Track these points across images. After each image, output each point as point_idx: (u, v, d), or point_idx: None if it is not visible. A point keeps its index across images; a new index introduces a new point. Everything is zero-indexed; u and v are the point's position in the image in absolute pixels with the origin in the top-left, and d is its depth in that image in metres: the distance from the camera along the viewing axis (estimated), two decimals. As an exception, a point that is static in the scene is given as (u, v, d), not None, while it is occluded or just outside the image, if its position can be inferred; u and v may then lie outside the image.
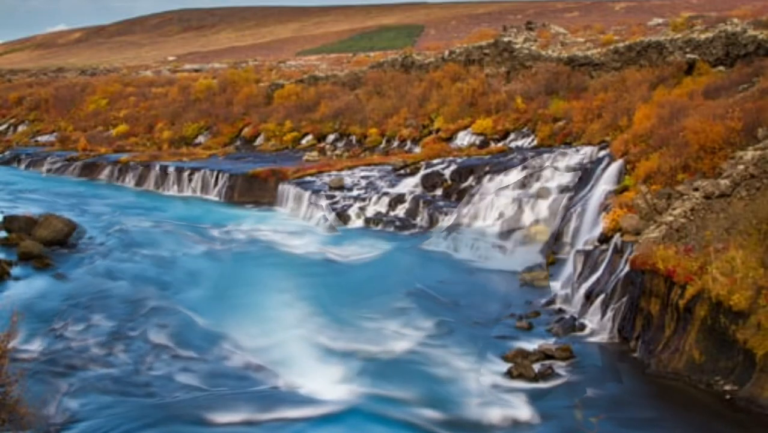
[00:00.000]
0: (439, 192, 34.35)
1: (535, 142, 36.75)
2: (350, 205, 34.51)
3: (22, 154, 55.08)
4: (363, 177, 37.32)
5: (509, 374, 17.46)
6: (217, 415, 15.52)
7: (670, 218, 19.75)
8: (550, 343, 19.12)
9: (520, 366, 17.58)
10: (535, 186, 31.01)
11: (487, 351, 18.78)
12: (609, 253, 21.55)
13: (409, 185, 35.36)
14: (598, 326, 20.06)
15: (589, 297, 21.03)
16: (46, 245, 27.95)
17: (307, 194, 36.29)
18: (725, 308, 16.09)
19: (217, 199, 40.67)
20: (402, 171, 36.89)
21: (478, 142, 39.17)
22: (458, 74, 44.45)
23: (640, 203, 21.68)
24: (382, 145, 43.46)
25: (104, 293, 23.51)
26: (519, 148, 36.41)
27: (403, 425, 15.26)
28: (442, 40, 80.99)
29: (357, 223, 33.59)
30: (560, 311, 21.78)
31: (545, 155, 33.14)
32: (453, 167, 35.02)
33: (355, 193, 35.67)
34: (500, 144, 38.03)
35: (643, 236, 20.13)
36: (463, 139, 40.06)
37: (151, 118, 56.83)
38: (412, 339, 19.79)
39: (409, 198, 34.12)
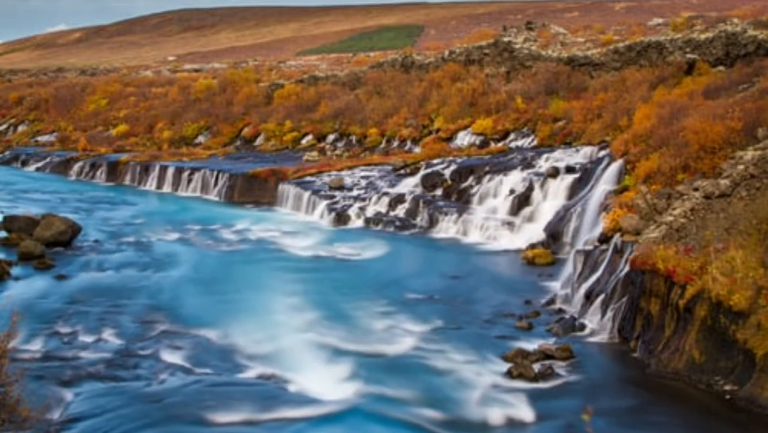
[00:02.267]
0: (439, 192, 34.35)
1: (535, 142, 36.76)
2: (350, 206, 34.51)
3: (22, 154, 55.14)
4: (363, 177, 37.32)
5: (509, 374, 17.45)
6: (217, 415, 15.51)
7: (670, 218, 19.75)
8: (550, 343, 19.11)
9: (520, 366, 17.57)
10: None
11: (487, 351, 18.77)
12: (609, 253, 21.55)
13: (409, 185, 35.36)
14: (598, 326, 20.05)
15: (589, 297, 21.03)
16: (46, 245, 27.91)
17: (307, 194, 36.30)
18: (725, 308, 16.08)
19: (217, 199, 40.69)
20: (402, 171, 36.89)
21: (478, 142, 39.17)
22: (458, 74, 44.44)
23: (640, 203, 21.68)
24: (382, 145, 43.46)
25: (105, 294, 23.49)
26: (519, 148, 36.42)
27: (403, 425, 15.25)
28: (442, 40, 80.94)
29: (357, 223, 33.59)
30: (560, 311, 21.77)
31: (545, 155, 33.25)
32: (453, 167, 35.02)
33: (355, 193, 35.67)
34: (500, 144, 38.04)
35: (643, 236, 20.12)
36: (463, 139, 40.07)
37: (151, 118, 56.84)
38: (412, 339, 19.78)
39: (409, 198, 34.12)
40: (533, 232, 28.96)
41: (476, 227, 30.81)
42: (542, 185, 31.10)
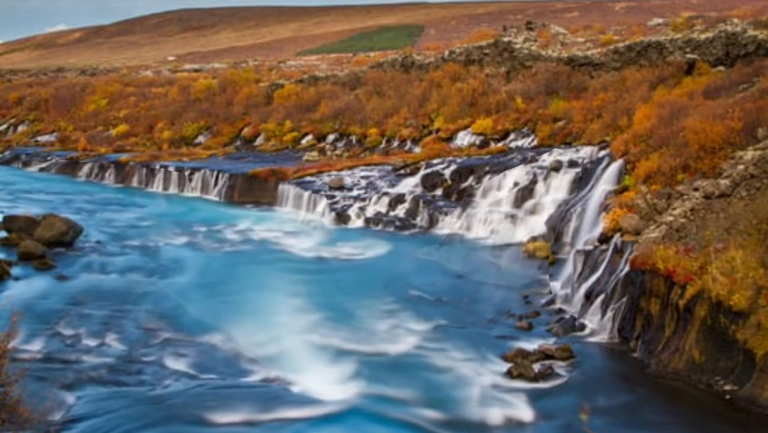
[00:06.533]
0: (439, 192, 34.36)
1: (535, 142, 36.78)
2: (350, 206, 34.52)
3: (23, 154, 55.10)
4: (363, 177, 37.33)
5: (509, 374, 17.48)
6: (217, 415, 15.53)
7: (670, 218, 19.76)
8: (550, 343, 19.13)
9: (520, 366, 17.60)
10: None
11: (487, 351, 18.80)
12: (609, 253, 21.56)
13: (409, 185, 35.37)
14: (598, 326, 20.07)
15: (589, 297, 21.05)
16: (47, 245, 27.90)
17: (307, 194, 36.30)
18: (725, 308, 16.10)
19: (217, 199, 40.68)
20: (402, 171, 36.90)
21: (478, 142, 39.19)
22: (458, 74, 44.45)
23: (640, 203, 21.69)
24: (382, 145, 43.46)
25: (106, 294, 23.50)
26: (519, 148, 36.44)
27: (403, 425, 15.28)
28: (442, 40, 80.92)
29: (357, 223, 33.60)
30: (560, 311, 21.79)
31: (545, 154, 33.30)
32: (453, 167, 35.04)
33: (355, 193, 35.68)
34: (500, 144, 38.05)
35: (643, 236, 20.14)
36: (463, 139, 40.07)
37: (151, 118, 56.83)
38: (413, 339, 19.82)
39: (409, 198, 34.13)
40: (536, 224, 29.24)
41: (480, 220, 30.96)
42: (545, 178, 31.37)
